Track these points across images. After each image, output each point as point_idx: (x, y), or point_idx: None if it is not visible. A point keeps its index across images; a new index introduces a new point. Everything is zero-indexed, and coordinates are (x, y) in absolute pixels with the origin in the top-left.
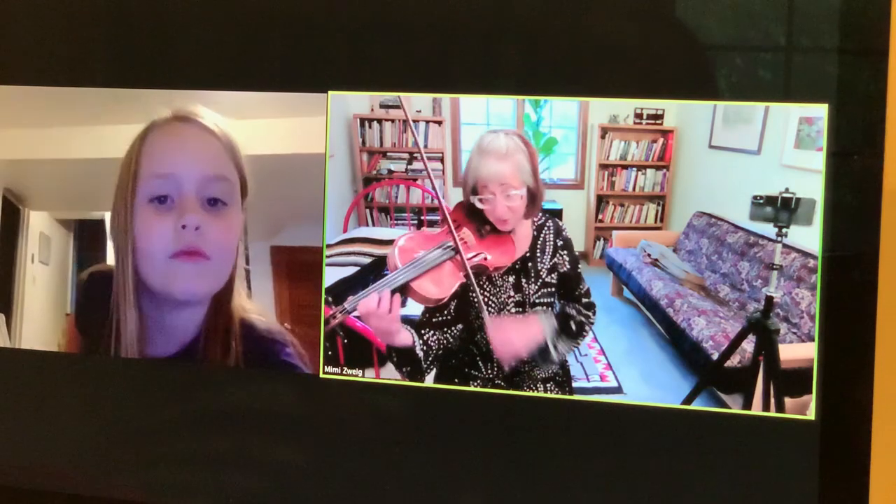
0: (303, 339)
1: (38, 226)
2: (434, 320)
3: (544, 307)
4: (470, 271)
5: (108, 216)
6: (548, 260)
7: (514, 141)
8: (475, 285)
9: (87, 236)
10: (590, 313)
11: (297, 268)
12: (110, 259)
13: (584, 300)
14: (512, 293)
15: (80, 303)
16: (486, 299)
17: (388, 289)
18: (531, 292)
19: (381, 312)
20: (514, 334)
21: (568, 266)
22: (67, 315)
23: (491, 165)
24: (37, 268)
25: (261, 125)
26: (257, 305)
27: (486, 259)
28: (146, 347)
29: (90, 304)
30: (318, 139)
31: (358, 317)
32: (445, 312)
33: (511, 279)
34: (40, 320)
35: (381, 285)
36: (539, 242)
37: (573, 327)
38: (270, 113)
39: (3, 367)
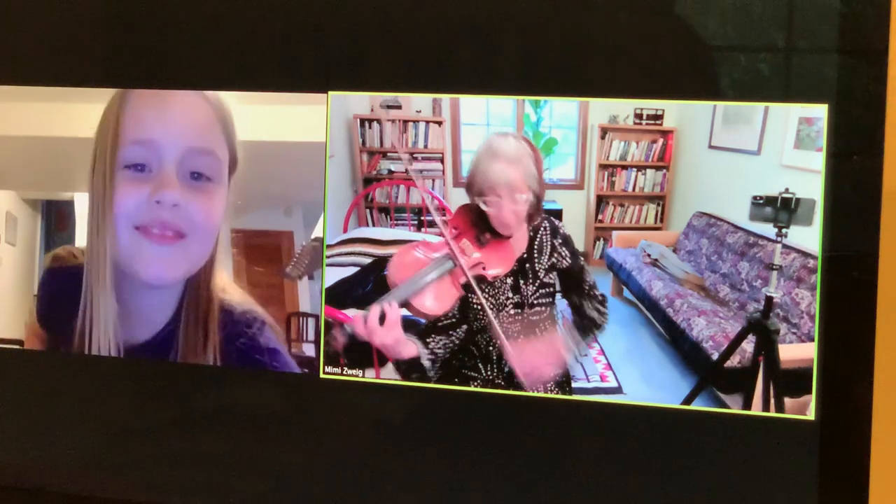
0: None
1: (4, 205)
2: (440, 324)
3: (543, 307)
4: (474, 283)
5: (77, 197)
6: (545, 260)
7: (523, 146)
8: (482, 300)
9: (55, 217)
10: (605, 309)
11: (255, 250)
12: (80, 241)
13: (598, 294)
14: (510, 294)
15: (44, 292)
16: (484, 300)
17: (386, 303)
18: (529, 293)
19: (387, 325)
20: (540, 358)
21: (569, 260)
22: (35, 296)
23: (501, 169)
24: (3, 249)
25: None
26: (239, 290)
27: (484, 269)
28: (119, 334)
29: (55, 295)
30: (294, 127)
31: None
32: (450, 315)
33: (509, 280)
34: (7, 302)
35: (381, 302)
36: (536, 243)
37: (595, 332)
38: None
39: (4, 366)
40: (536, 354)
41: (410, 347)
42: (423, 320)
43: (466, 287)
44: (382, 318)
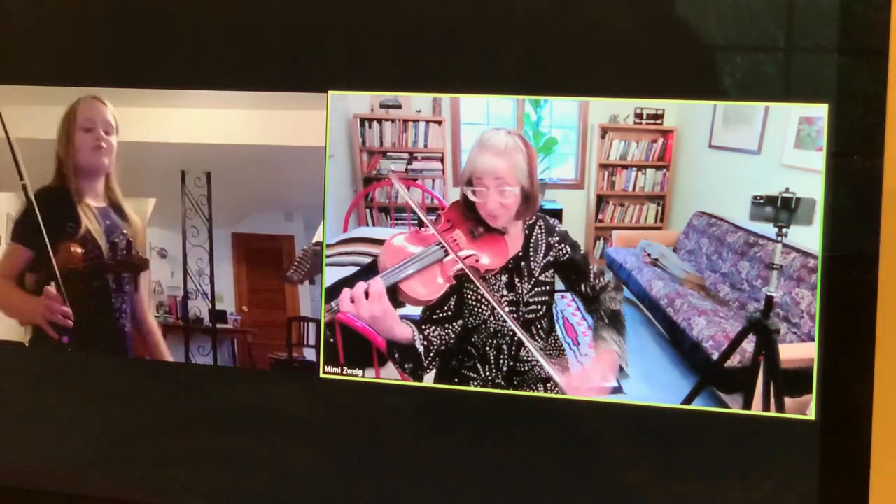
0: (260, 323)
1: (4, 207)
2: (434, 317)
3: (539, 305)
4: (468, 270)
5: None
6: (541, 258)
7: (515, 140)
8: (478, 283)
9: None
10: (619, 296)
11: (256, 254)
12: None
13: (606, 281)
14: (505, 292)
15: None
16: (478, 297)
17: (371, 279)
18: (524, 291)
19: (371, 297)
20: (598, 376)
21: (569, 252)
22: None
23: (488, 159)
24: (3, 250)
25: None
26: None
27: (477, 261)
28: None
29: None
30: (295, 131)
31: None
32: (445, 309)
33: (504, 278)
34: None
35: (367, 281)
36: (532, 242)
37: (626, 325)
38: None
39: (4, 366)
40: (596, 373)
41: (404, 328)
42: (417, 310)
43: (458, 279)
44: (367, 294)
